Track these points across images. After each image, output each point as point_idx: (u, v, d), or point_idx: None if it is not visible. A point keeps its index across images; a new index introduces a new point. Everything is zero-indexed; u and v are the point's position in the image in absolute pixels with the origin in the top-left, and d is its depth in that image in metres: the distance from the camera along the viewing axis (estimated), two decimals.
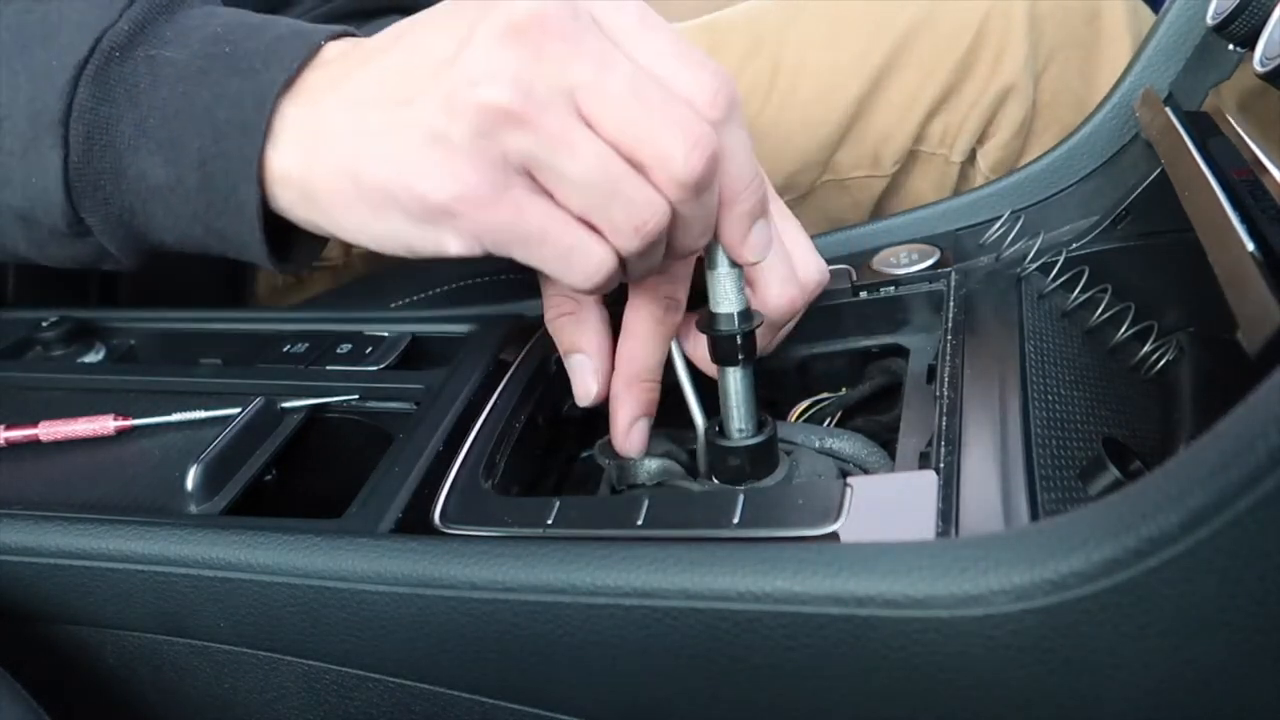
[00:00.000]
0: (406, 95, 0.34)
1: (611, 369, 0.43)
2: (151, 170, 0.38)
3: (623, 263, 0.36)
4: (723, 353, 0.40)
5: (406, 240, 0.36)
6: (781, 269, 0.42)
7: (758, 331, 0.40)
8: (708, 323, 0.40)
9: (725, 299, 0.39)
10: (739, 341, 0.39)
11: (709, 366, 0.41)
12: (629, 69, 0.33)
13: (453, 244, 0.35)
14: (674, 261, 0.39)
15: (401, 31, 0.36)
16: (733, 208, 0.36)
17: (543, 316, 0.46)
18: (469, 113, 0.32)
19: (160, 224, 0.39)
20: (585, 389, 0.43)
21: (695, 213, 0.35)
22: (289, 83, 0.37)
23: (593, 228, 0.35)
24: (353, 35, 0.40)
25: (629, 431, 0.43)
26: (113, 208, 0.39)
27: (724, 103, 0.34)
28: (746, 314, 0.39)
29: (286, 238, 0.40)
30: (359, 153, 0.35)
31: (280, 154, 0.37)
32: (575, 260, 0.35)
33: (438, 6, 0.36)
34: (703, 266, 0.40)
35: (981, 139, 0.73)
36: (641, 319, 0.42)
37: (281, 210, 0.38)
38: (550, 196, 0.35)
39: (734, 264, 0.38)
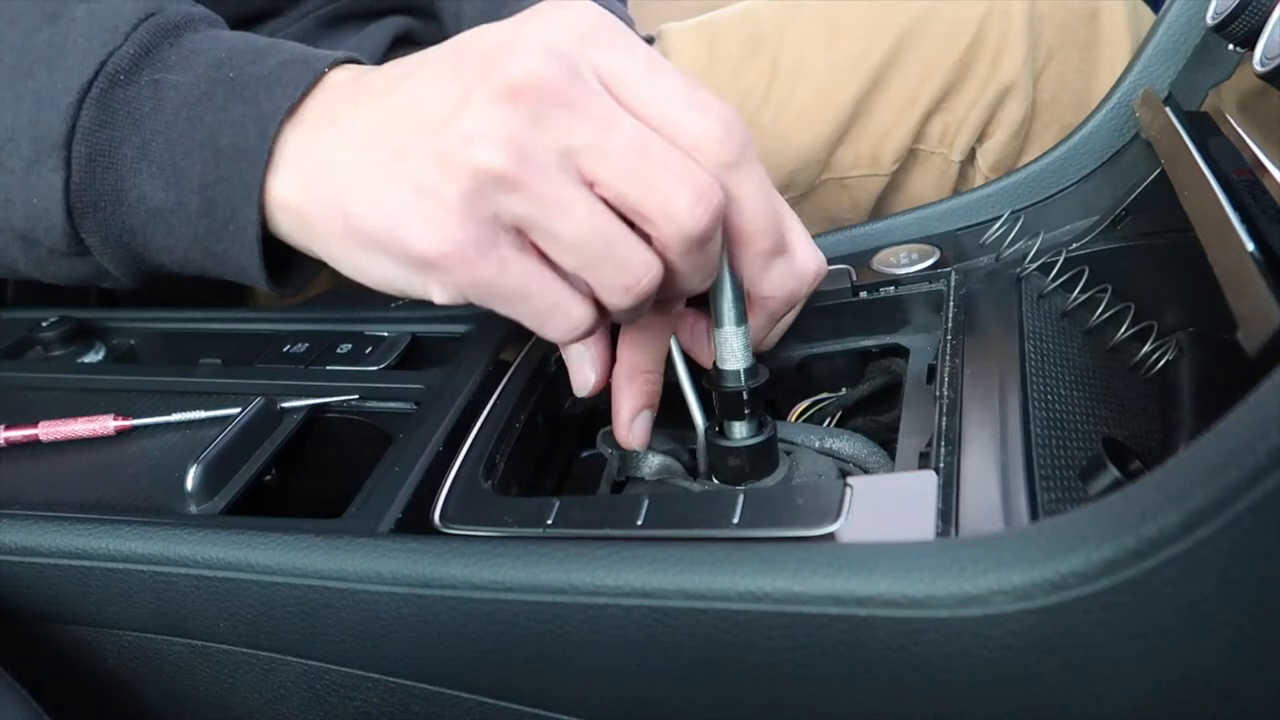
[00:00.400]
0: (402, 146, 0.34)
1: (611, 361, 0.43)
2: (152, 193, 0.38)
3: (603, 308, 0.36)
4: (728, 408, 0.40)
5: (394, 282, 0.37)
6: (780, 261, 0.42)
7: (756, 324, 0.40)
8: (714, 378, 0.40)
9: (731, 357, 0.39)
10: (744, 397, 0.39)
11: (709, 363, 0.41)
12: (631, 126, 0.33)
13: (437, 293, 0.36)
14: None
15: (405, 74, 0.36)
16: (750, 248, 0.37)
17: None
18: (462, 173, 0.32)
19: (160, 246, 0.39)
20: (583, 379, 0.43)
21: (697, 263, 0.35)
22: (292, 110, 0.37)
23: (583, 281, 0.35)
24: (358, 62, 0.40)
25: (632, 424, 0.43)
26: (112, 229, 0.39)
27: (735, 145, 0.34)
28: (753, 370, 0.39)
29: (285, 259, 0.41)
30: (351, 193, 0.35)
31: (280, 181, 0.37)
32: (555, 318, 0.36)
33: (440, 54, 0.36)
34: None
35: (981, 138, 0.73)
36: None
37: (281, 235, 0.38)
38: (539, 254, 0.35)
39: (740, 322, 0.39)
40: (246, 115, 0.37)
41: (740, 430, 0.40)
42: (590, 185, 0.33)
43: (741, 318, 0.39)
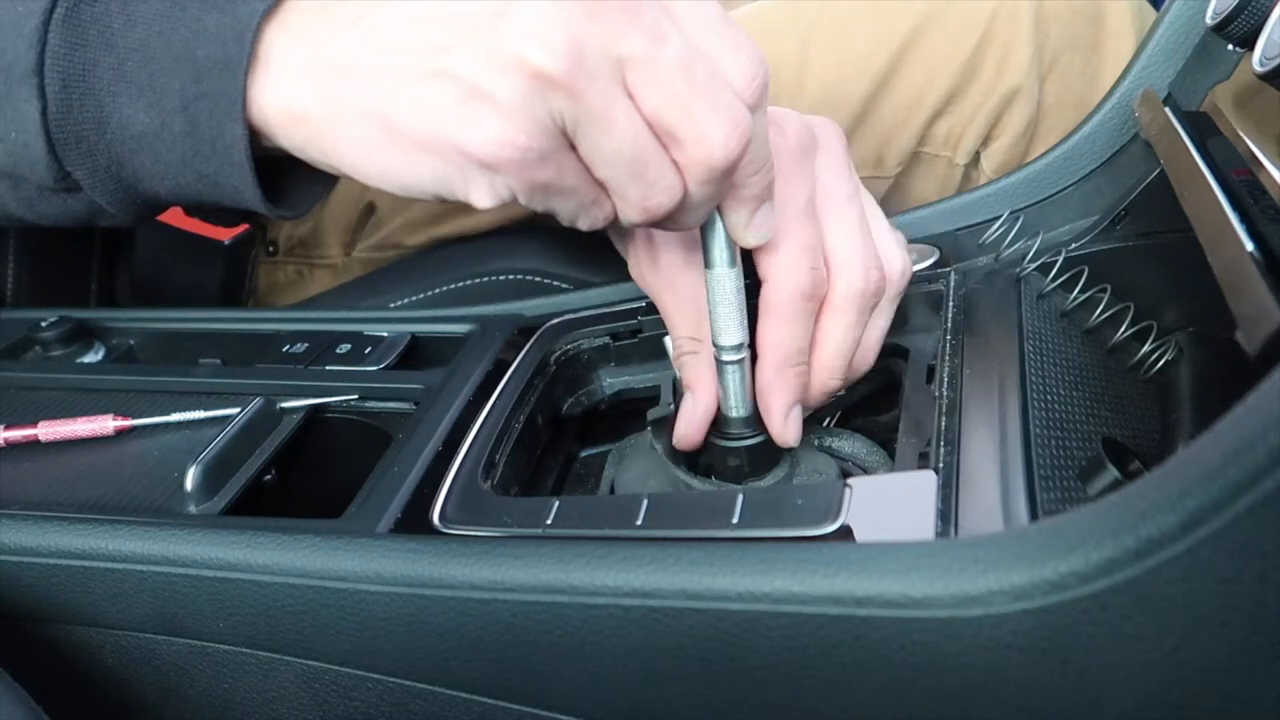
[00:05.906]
0: (445, 43, 0.33)
1: (714, 413, 0.42)
2: (134, 117, 0.36)
3: None
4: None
5: (431, 187, 0.35)
6: (766, 208, 0.40)
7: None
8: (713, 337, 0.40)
9: (724, 300, 0.39)
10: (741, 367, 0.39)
11: None
12: (679, 43, 0.32)
13: (480, 196, 0.35)
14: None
15: None
16: (742, 189, 0.36)
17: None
18: (516, 71, 0.31)
19: (150, 173, 0.38)
20: (685, 433, 0.42)
21: (707, 194, 0.35)
22: (270, 13, 0.35)
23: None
24: None
25: (786, 421, 0.41)
26: (99, 160, 0.37)
27: (759, 88, 0.34)
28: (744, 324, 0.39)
29: (280, 181, 0.39)
30: (391, 97, 0.34)
31: (283, 89, 0.35)
32: (592, 212, 0.36)
33: None
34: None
35: (986, 141, 0.72)
36: (785, 298, 0.40)
37: (290, 149, 0.37)
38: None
39: (732, 264, 0.38)
40: (222, 23, 0.35)
41: (734, 377, 0.40)
42: (630, 98, 0.33)
43: (735, 259, 0.38)
